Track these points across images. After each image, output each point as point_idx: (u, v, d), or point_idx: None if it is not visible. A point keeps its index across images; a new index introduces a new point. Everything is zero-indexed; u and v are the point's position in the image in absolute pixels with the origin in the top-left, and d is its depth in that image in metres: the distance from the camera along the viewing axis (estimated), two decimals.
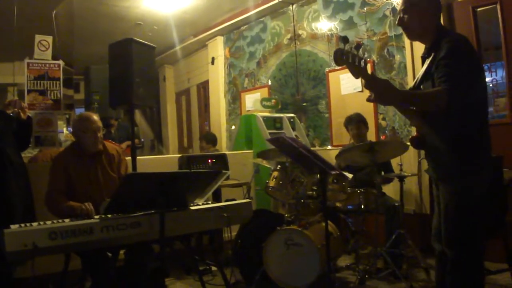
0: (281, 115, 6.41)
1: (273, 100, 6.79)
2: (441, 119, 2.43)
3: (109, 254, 3.04)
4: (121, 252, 3.29)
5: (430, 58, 2.51)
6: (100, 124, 3.39)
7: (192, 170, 4.33)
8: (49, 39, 4.65)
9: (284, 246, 3.68)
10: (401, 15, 2.61)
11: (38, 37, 4.61)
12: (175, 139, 11.39)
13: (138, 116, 11.23)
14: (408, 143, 4.83)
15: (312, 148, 6.03)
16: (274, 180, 4.25)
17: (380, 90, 2.28)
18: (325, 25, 6.70)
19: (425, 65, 2.55)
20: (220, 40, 9.06)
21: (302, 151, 2.89)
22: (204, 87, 9.98)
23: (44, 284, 3.51)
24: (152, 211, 2.85)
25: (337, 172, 3.04)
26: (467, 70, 2.35)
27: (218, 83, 9.09)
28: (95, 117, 3.40)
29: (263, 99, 6.78)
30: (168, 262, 3.93)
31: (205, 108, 10.02)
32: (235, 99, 8.75)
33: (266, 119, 6.27)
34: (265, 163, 4.79)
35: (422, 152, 4.69)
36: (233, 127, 8.22)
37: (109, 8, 7.07)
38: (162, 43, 8.73)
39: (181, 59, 10.58)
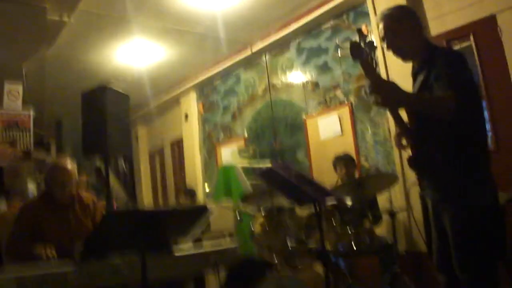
0: (261, 165, 6.25)
1: (250, 150, 6.67)
2: (440, 135, 2.32)
3: None
4: None
5: (423, 73, 2.43)
6: (72, 174, 3.17)
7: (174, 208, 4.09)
8: (19, 87, 4.48)
9: None
10: (388, 39, 2.55)
11: (7, 86, 4.43)
12: (150, 199, 11.07)
13: (111, 179, 10.93)
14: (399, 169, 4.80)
15: None
16: (259, 226, 4.05)
17: (387, 92, 2.19)
18: (300, 72, 6.68)
19: (420, 80, 2.47)
20: (193, 95, 8.99)
21: (292, 180, 2.70)
22: (178, 144, 9.81)
23: None
24: (133, 256, 2.59)
25: (333, 198, 2.83)
26: (468, 79, 2.31)
27: (193, 139, 8.95)
28: (69, 166, 3.18)
29: (240, 150, 6.66)
30: None
31: (180, 166, 9.82)
32: (210, 154, 8.59)
33: (245, 169, 6.12)
34: (248, 211, 4.58)
35: (409, 181, 4.67)
36: (207, 189, 8.02)
37: (81, 64, 6.95)
38: (134, 103, 8.66)
39: (154, 118, 10.45)
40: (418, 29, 2.54)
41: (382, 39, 2.60)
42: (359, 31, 2.33)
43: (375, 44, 2.37)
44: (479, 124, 2.39)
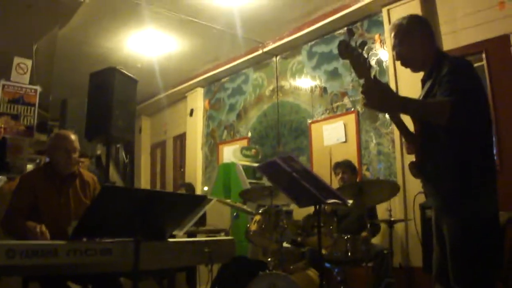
0: None
1: (253, 150, 6.63)
2: (442, 141, 2.28)
3: None
4: None
5: (431, 80, 2.40)
6: (77, 145, 3.12)
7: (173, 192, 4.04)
8: (28, 62, 4.45)
9: None
10: (397, 49, 2.52)
11: (16, 60, 4.40)
12: None
13: (110, 169, 10.88)
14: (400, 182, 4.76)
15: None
16: (255, 224, 3.99)
17: (381, 94, 2.12)
18: (309, 76, 6.65)
19: (426, 87, 2.43)
20: (200, 91, 8.96)
21: (295, 176, 2.64)
22: (181, 139, 9.77)
23: None
24: (127, 239, 2.54)
25: (334, 201, 2.77)
26: (471, 87, 2.24)
27: (196, 135, 8.91)
28: (73, 136, 3.13)
29: (243, 148, 6.61)
30: None
31: (180, 161, 9.78)
32: (212, 152, 8.55)
33: (246, 168, 6.08)
34: (246, 208, 4.53)
35: (410, 194, 4.63)
36: (206, 188, 7.95)
37: (92, 48, 6.93)
38: (140, 93, 8.64)
39: (159, 110, 10.42)
40: (429, 39, 2.49)
41: (392, 49, 2.57)
42: (349, 31, 2.29)
43: (367, 45, 2.31)
44: (485, 134, 2.33)
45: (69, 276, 2.69)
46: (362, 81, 2.17)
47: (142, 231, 2.43)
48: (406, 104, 2.22)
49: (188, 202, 2.70)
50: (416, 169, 2.44)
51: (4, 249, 2.12)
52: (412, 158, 2.50)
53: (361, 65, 2.13)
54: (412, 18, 2.57)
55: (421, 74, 2.57)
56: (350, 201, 3.70)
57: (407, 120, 2.49)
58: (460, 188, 2.24)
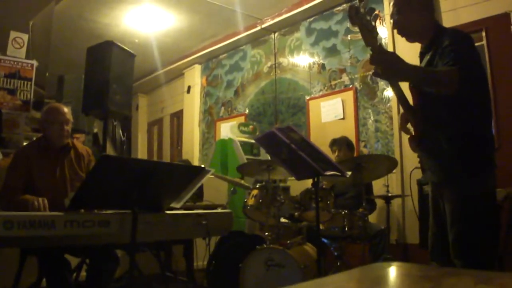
0: None
1: (250, 126, 6.61)
2: (443, 115, 2.27)
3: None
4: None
5: (430, 52, 2.38)
6: (69, 117, 3.10)
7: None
8: (25, 37, 4.40)
9: (263, 267, 3.36)
10: (395, 17, 2.49)
11: (13, 34, 4.35)
12: None
13: (107, 146, 10.84)
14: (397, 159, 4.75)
15: (290, 178, 5.88)
16: (253, 198, 3.98)
17: (388, 63, 2.12)
18: (307, 53, 6.61)
19: (426, 59, 2.42)
20: (197, 68, 8.90)
21: (293, 147, 2.62)
22: (178, 116, 9.74)
23: None
24: (124, 211, 2.54)
25: (333, 173, 2.76)
26: (472, 58, 2.25)
27: (193, 112, 8.88)
28: (65, 109, 3.10)
29: (240, 124, 6.59)
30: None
31: (178, 138, 9.76)
32: (209, 129, 8.53)
33: (243, 144, 6.07)
34: (243, 182, 4.53)
35: (407, 171, 4.62)
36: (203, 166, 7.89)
37: (88, 23, 6.86)
38: (137, 70, 8.59)
39: (156, 88, 10.36)
40: (427, 10, 2.47)
41: (390, 17, 2.55)
42: None
43: (376, 12, 2.30)
44: (484, 107, 2.32)
45: (66, 248, 2.69)
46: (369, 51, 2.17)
47: (139, 202, 2.44)
48: (414, 72, 2.22)
49: (186, 173, 2.69)
50: (416, 143, 2.43)
51: (2, 220, 2.11)
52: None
53: (369, 33, 2.11)
54: None
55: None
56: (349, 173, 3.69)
57: (406, 93, 2.47)
58: (462, 162, 2.23)
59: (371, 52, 2.16)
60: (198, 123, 8.81)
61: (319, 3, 6.16)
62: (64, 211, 2.40)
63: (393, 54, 2.19)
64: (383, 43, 5.43)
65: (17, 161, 2.96)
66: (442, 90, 2.17)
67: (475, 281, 0.87)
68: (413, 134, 2.46)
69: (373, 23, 2.14)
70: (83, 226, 2.38)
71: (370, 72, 5.54)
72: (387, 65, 2.12)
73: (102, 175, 2.32)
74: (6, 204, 2.80)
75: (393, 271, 1.07)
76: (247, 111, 7.63)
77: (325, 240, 4.16)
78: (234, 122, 7.39)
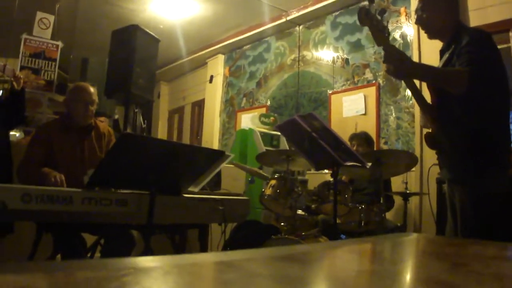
0: (279, 133, 6.18)
1: (271, 117, 6.59)
2: (457, 113, 2.26)
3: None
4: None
5: (450, 51, 2.39)
6: (95, 97, 3.12)
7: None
8: (51, 18, 4.44)
9: None
10: (419, 13, 2.52)
11: (39, 14, 4.39)
12: None
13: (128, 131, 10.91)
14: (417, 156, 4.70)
15: (308, 172, 5.85)
16: (271, 188, 3.97)
17: (399, 62, 2.15)
18: (331, 47, 6.56)
19: (445, 57, 2.42)
20: (221, 58, 8.90)
21: (314, 135, 2.60)
22: (199, 105, 9.76)
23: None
24: (142, 191, 2.54)
25: (353, 163, 2.73)
26: (489, 58, 2.24)
27: (215, 101, 8.89)
28: (92, 89, 3.12)
29: (261, 115, 6.58)
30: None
31: (198, 127, 9.78)
32: (230, 119, 8.53)
33: (263, 134, 6.06)
34: (261, 172, 4.51)
35: (426, 169, 4.56)
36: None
37: (113, 8, 6.89)
38: (160, 58, 8.64)
39: (178, 76, 10.39)
40: (452, 9, 2.49)
41: (415, 11, 2.56)
42: None
43: (386, 12, 2.32)
44: (501, 107, 2.30)
45: (82, 225, 2.70)
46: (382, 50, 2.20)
47: (158, 184, 2.43)
48: (424, 71, 2.29)
49: (206, 156, 2.68)
50: (432, 140, 2.44)
51: (20, 193, 2.12)
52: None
53: (380, 33, 2.16)
54: None
55: None
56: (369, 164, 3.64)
57: (425, 92, 2.48)
58: (473, 161, 2.23)
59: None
60: (219, 113, 8.82)
61: None
62: (82, 188, 2.41)
63: (403, 53, 2.23)
64: (408, 41, 5.37)
65: (39, 136, 2.99)
66: (451, 89, 2.20)
67: (499, 248, 0.86)
68: (431, 131, 2.46)
69: (384, 23, 2.18)
70: (100, 204, 2.38)
71: None
72: (398, 64, 2.16)
73: (122, 154, 2.31)
74: (25, 177, 2.83)
75: (418, 238, 1.07)
76: (268, 103, 7.61)
77: (342, 235, 4.13)
78: (255, 113, 7.39)
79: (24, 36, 4.35)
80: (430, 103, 2.48)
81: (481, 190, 2.20)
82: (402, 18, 5.46)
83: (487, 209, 2.18)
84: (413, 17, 5.19)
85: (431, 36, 2.56)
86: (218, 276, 0.69)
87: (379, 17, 2.17)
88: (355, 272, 0.76)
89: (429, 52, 4.69)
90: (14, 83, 3.32)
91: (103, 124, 3.42)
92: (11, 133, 3.71)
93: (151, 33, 4.28)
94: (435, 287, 0.60)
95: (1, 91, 3.27)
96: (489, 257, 0.81)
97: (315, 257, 0.91)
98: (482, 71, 2.12)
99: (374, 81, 5.79)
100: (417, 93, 2.47)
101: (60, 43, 4.55)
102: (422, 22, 2.51)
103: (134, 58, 3.99)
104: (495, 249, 0.88)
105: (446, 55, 2.40)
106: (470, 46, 2.21)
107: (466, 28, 2.44)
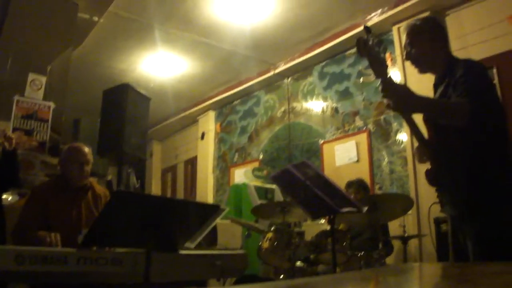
0: (273, 186, 6.17)
1: (264, 171, 6.59)
2: (457, 147, 2.23)
3: None
4: None
5: (444, 83, 2.37)
6: (90, 157, 3.12)
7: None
8: (43, 79, 4.49)
9: None
10: (408, 49, 2.51)
11: (31, 75, 4.45)
12: None
13: None
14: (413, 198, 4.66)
15: (304, 223, 5.80)
16: (268, 241, 3.92)
17: (399, 95, 2.10)
18: (320, 97, 6.65)
19: (439, 91, 2.40)
20: (211, 114, 8.98)
21: (309, 184, 2.59)
22: (192, 163, 9.76)
23: None
24: (138, 249, 2.49)
25: (349, 209, 2.70)
26: (486, 87, 2.24)
27: (207, 158, 8.89)
28: (86, 149, 3.13)
29: (254, 169, 6.58)
30: None
31: (191, 185, 9.74)
32: (223, 175, 8.51)
33: (257, 188, 6.04)
34: (257, 226, 4.47)
35: (423, 211, 4.54)
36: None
37: (104, 69, 6.99)
38: (151, 117, 8.70)
39: (170, 135, 10.43)
40: (440, 42, 2.48)
41: (404, 48, 2.57)
42: (366, 28, 2.27)
43: (384, 43, 2.28)
44: (502, 136, 2.27)
45: (77, 285, 2.64)
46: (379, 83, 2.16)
47: (153, 241, 2.39)
48: (425, 103, 2.19)
49: (201, 210, 2.65)
50: (432, 176, 2.38)
51: (14, 255, 2.09)
52: (425, 167, 2.44)
53: (378, 64, 2.11)
54: (426, 20, 2.59)
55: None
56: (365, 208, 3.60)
57: (421, 127, 2.45)
58: (479, 196, 2.16)
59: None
60: (212, 170, 8.80)
61: (331, 47, 6.25)
62: (77, 248, 2.36)
63: (404, 86, 2.18)
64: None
65: (35, 196, 2.97)
66: (453, 122, 2.15)
67: (503, 265, 0.85)
68: (429, 168, 2.42)
69: (382, 55, 2.13)
70: (95, 263, 2.34)
71: (384, 114, 5.55)
72: (398, 97, 2.10)
73: (116, 211, 2.28)
74: (20, 241, 2.78)
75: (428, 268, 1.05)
76: (261, 156, 7.62)
77: None
78: (248, 168, 7.39)
79: (17, 97, 4.39)
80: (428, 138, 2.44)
81: (491, 224, 2.13)
82: (388, 63, 5.56)
83: (499, 245, 2.09)
84: (399, 61, 5.34)
85: (422, 70, 2.53)
86: None
87: (377, 48, 2.15)
88: None
89: (415, 80, 4.74)
90: (6, 144, 3.30)
91: (99, 186, 3.41)
92: (3, 196, 3.67)
93: (142, 91, 4.32)
94: None
95: None
96: (495, 273, 0.79)
97: None
98: (481, 100, 2.09)
99: (364, 128, 5.84)
100: (414, 128, 2.38)
101: (52, 104, 4.59)
102: (411, 57, 2.50)
103: (125, 117, 4.02)
104: (499, 266, 0.87)
105: (441, 88, 2.38)
106: (466, 76, 2.19)
107: (459, 60, 2.42)
